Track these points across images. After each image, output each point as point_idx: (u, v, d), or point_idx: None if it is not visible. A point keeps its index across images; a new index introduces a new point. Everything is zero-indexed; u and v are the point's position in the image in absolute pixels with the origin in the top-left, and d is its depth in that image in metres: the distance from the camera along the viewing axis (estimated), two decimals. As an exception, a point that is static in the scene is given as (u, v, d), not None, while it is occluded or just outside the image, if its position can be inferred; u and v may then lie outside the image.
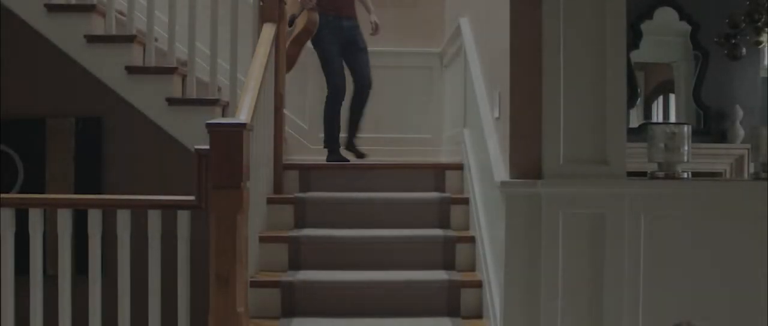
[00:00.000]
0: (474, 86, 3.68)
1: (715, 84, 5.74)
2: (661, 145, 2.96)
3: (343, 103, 4.52)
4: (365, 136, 4.25)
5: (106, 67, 4.12)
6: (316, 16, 4.28)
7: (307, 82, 5.22)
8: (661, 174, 2.98)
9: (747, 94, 5.76)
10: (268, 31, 3.90)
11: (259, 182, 3.61)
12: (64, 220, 3.00)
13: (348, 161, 4.39)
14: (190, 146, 3.80)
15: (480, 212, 3.55)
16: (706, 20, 5.65)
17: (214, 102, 4.12)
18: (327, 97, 4.49)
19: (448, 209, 3.89)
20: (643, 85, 5.80)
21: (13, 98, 4.65)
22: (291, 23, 4.33)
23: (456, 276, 3.47)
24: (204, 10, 4.20)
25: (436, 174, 4.16)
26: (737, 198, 2.93)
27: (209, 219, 2.80)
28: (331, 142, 4.48)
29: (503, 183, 2.87)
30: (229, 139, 2.79)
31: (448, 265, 3.62)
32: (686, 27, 5.73)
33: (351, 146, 4.57)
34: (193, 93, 4.11)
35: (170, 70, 4.12)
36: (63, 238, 3.01)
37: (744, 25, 5.11)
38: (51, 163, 4.71)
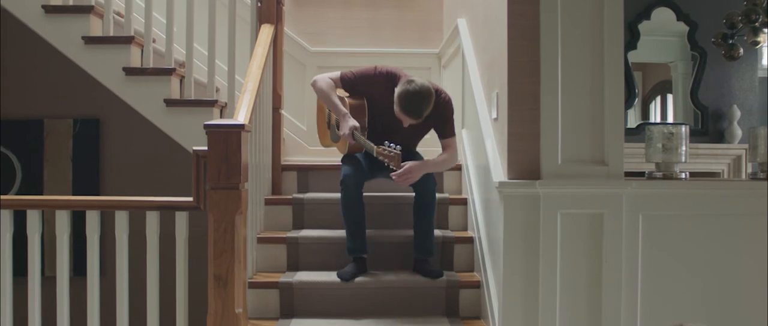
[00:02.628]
0: (472, 87, 3.69)
1: (712, 84, 5.75)
2: (659, 145, 2.97)
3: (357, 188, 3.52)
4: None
5: (104, 68, 4.11)
6: (361, 141, 3.43)
7: (306, 83, 5.22)
8: (658, 174, 2.98)
9: (744, 94, 5.78)
10: (266, 32, 3.90)
11: (257, 183, 3.61)
12: (62, 221, 2.99)
13: (351, 279, 3.38)
14: (189, 147, 3.81)
15: (478, 213, 3.55)
16: (703, 21, 5.68)
17: (212, 103, 4.11)
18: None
19: (446, 210, 3.89)
20: (640, 85, 5.81)
21: (11, 99, 4.66)
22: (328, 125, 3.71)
23: (454, 276, 3.47)
24: (202, 12, 4.20)
25: (435, 174, 4.15)
26: (735, 199, 2.94)
27: (208, 220, 2.80)
28: (349, 243, 3.49)
29: (501, 184, 2.87)
30: (228, 140, 2.79)
31: (447, 266, 3.63)
32: (684, 27, 5.74)
33: (418, 266, 3.50)
34: (191, 94, 4.11)
35: (168, 72, 4.12)
36: (61, 239, 3.00)
37: (741, 25, 5.13)
38: (49, 164, 4.72)
